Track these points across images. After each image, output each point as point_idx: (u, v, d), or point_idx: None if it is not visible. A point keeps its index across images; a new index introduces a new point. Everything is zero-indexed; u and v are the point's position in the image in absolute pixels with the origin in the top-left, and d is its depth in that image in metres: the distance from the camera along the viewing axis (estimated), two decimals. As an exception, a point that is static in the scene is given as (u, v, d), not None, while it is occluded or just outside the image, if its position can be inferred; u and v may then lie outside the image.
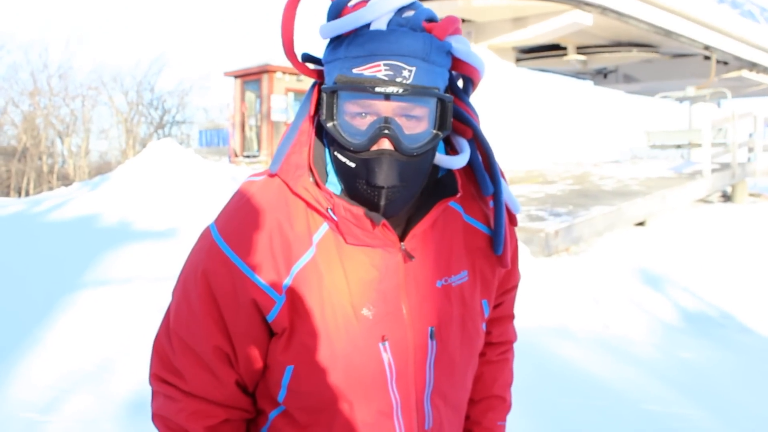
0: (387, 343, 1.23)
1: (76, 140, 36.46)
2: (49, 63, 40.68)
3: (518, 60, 17.05)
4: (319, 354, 1.21)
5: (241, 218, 1.24)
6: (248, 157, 18.87)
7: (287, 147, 1.25)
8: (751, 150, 15.21)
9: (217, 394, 1.27)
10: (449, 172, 1.28)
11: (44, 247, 7.07)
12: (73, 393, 3.86)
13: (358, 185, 1.18)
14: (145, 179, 11.06)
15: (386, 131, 1.13)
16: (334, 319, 1.20)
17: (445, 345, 1.29)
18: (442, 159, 1.26)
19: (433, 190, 1.27)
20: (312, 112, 1.26)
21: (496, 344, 1.55)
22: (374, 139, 1.13)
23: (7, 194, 30.49)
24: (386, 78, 1.11)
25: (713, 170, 13.07)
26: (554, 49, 17.21)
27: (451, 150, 1.33)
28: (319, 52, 1.28)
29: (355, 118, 1.15)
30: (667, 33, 15.85)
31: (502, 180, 1.33)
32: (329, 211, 1.20)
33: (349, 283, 1.21)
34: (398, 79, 1.11)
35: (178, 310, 1.28)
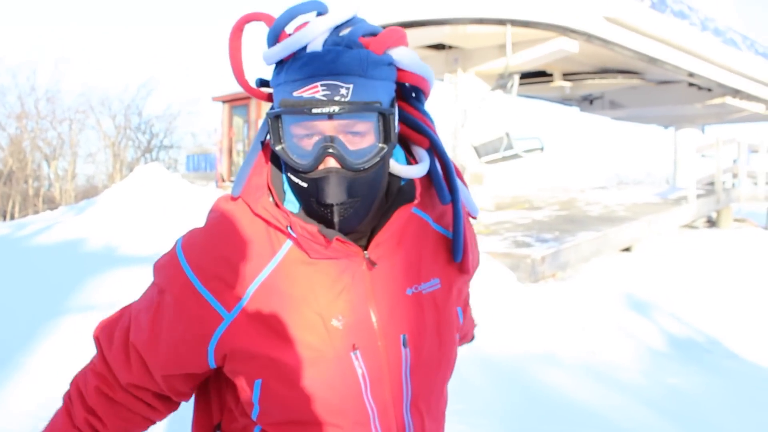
0: (358, 352, 1.25)
1: (63, 164, 36.41)
2: (36, 86, 40.68)
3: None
4: (286, 367, 1.23)
5: (202, 239, 1.29)
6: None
7: (248, 170, 1.30)
8: (735, 176, 15.34)
9: (122, 379, 1.36)
10: (410, 181, 1.31)
11: (29, 271, 7.01)
12: (55, 421, 3.80)
13: (312, 204, 1.21)
14: (132, 204, 11.02)
15: (330, 150, 1.15)
16: (302, 332, 1.23)
17: (419, 353, 1.30)
18: (400, 169, 1.28)
19: (396, 199, 1.29)
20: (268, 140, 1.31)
21: None
22: (319, 158, 1.16)
23: (-8, 218, 30.27)
24: (324, 98, 1.13)
25: (698, 196, 13.16)
26: (541, 75, 17.35)
27: (413, 160, 1.35)
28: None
29: (302, 139, 1.18)
30: (652, 60, 16.03)
31: (460, 186, 1.36)
32: (288, 228, 1.23)
33: (317, 295, 1.24)
34: (336, 98, 1.13)
35: (137, 304, 1.36)
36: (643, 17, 14.96)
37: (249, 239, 1.26)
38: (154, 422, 1.44)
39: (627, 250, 10.33)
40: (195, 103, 47.01)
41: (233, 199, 1.31)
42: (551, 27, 13.43)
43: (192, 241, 1.30)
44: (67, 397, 1.43)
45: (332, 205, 1.18)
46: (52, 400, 4.11)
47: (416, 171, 1.29)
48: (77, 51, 62.61)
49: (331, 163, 1.17)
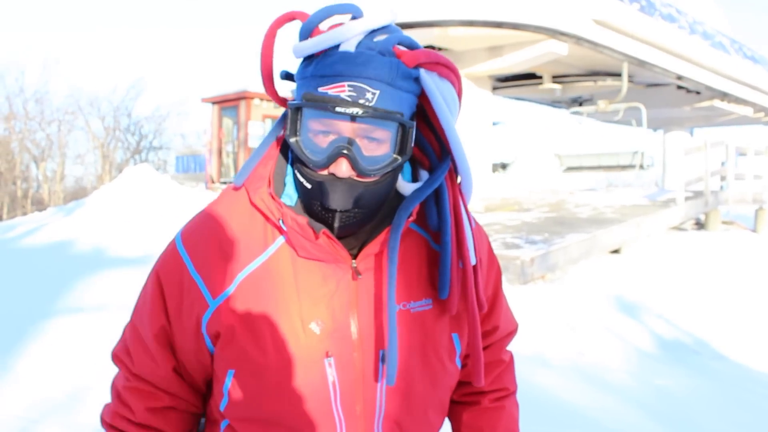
0: (332, 360, 1.22)
1: (52, 165, 36.26)
2: (25, 87, 40.52)
3: (495, 88, 17.21)
4: (258, 361, 1.22)
5: (200, 226, 1.29)
6: (225, 183, 18.80)
7: (255, 162, 1.28)
8: (723, 178, 15.42)
9: (157, 378, 1.31)
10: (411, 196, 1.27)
11: (17, 273, 6.98)
12: (42, 423, 3.79)
13: (314, 206, 1.20)
14: (121, 205, 10.99)
15: (345, 151, 1.13)
16: (279, 330, 1.21)
17: (399, 371, 1.25)
18: (399, 183, 1.27)
19: (393, 213, 1.26)
20: (283, 132, 1.27)
21: (489, 392, 1.50)
22: (333, 157, 1.14)
23: (-20, 219, 30.09)
24: (349, 99, 1.11)
25: (686, 198, 13.22)
26: (530, 77, 17.39)
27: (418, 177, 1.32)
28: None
29: (318, 135, 1.16)
30: (641, 63, 16.09)
31: (450, 222, 1.26)
32: (280, 222, 1.22)
33: (300, 296, 1.22)
34: (361, 101, 1.12)
35: (136, 302, 1.36)
36: (631, 20, 15.02)
37: (244, 229, 1.25)
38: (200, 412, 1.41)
39: (616, 251, 10.37)
40: (184, 104, 46.89)
41: (236, 188, 1.30)
42: (540, 29, 13.46)
43: (190, 226, 1.32)
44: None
45: (336, 211, 1.17)
46: (39, 402, 4.12)
47: (409, 188, 1.26)
48: (66, 52, 62.42)
49: (344, 165, 1.14)
